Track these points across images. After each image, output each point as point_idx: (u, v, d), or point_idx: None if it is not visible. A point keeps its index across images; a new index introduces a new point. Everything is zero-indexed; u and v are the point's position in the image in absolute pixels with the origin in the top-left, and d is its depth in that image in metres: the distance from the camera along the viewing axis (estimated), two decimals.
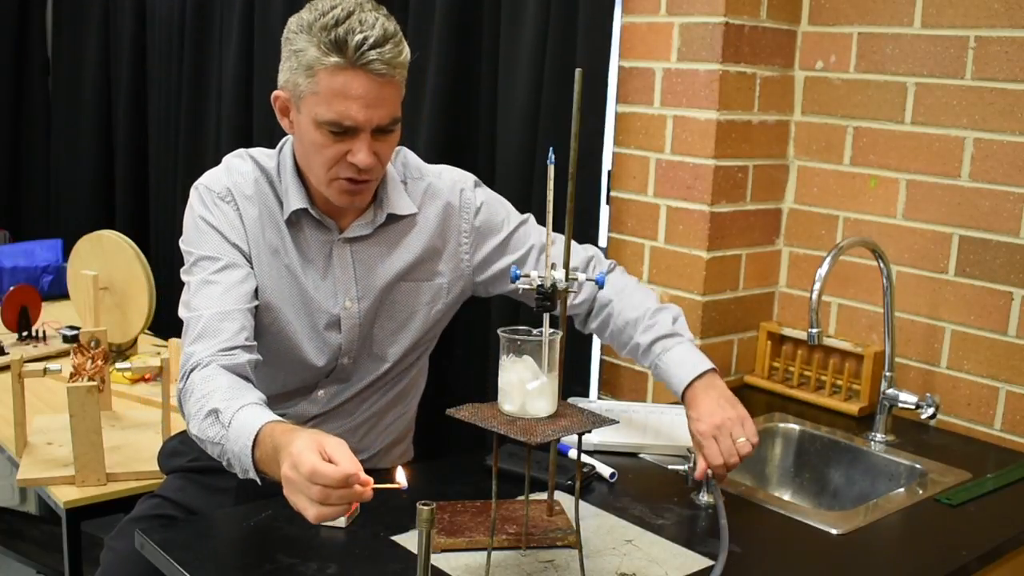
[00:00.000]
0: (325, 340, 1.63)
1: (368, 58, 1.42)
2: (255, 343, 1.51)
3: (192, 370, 1.43)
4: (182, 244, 1.58)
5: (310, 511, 1.16)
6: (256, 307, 1.55)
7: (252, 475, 1.30)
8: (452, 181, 1.70)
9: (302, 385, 1.68)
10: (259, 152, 1.63)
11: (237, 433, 1.30)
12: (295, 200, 1.57)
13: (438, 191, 1.68)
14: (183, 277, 1.56)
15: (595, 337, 2.06)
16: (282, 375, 1.65)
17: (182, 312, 1.52)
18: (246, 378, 1.45)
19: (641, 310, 1.69)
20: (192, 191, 1.60)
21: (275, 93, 1.54)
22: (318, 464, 1.14)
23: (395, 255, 1.64)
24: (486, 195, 1.73)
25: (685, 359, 1.61)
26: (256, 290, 1.56)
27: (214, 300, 1.49)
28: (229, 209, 1.56)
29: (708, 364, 1.60)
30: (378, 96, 1.45)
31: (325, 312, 1.62)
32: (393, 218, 1.63)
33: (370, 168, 1.49)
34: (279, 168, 1.60)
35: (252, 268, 1.56)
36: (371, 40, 1.41)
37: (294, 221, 1.59)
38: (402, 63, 1.47)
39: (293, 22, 1.49)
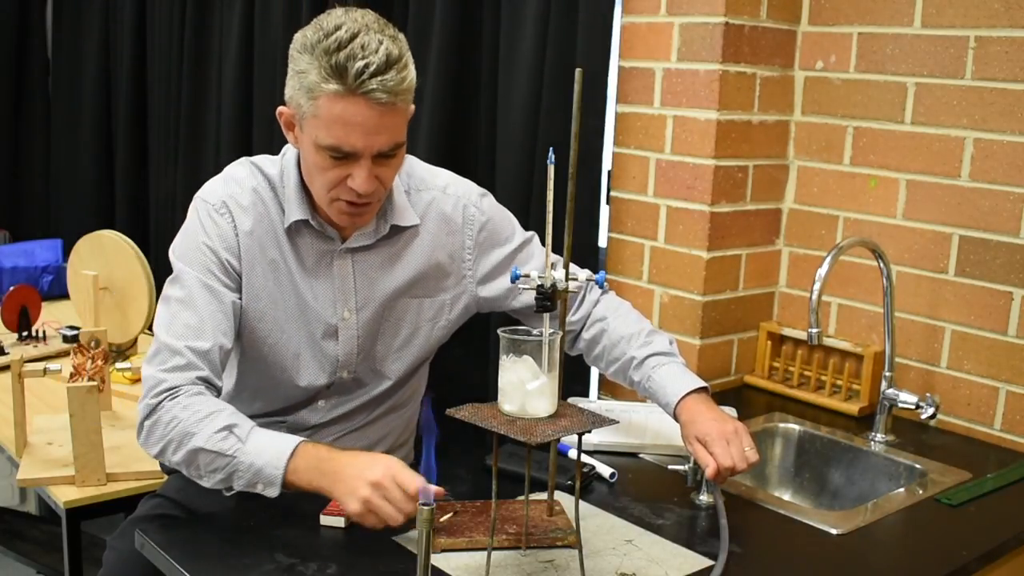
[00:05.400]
0: (323, 350, 1.62)
1: (369, 87, 1.37)
2: (223, 382, 1.54)
3: (167, 397, 1.43)
4: (172, 253, 1.56)
5: (359, 504, 1.31)
6: (235, 332, 1.54)
7: (262, 488, 1.36)
8: (456, 196, 1.67)
9: (304, 398, 1.67)
10: (262, 159, 1.61)
11: (260, 448, 1.37)
12: (296, 211, 1.55)
13: (441, 206, 1.65)
14: (166, 288, 1.54)
15: None
16: (283, 389, 1.65)
17: (160, 331, 1.50)
18: None
19: (636, 328, 1.69)
20: (192, 202, 1.58)
21: (280, 109, 1.51)
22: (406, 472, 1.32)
23: (397, 268, 1.63)
24: (491, 210, 1.70)
25: (681, 375, 1.62)
26: (236, 313, 1.54)
27: (190, 331, 1.48)
28: (224, 222, 1.54)
29: (704, 383, 1.60)
30: (379, 124, 1.41)
31: (323, 322, 1.60)
32: (396, 229, 1.61)
33: (370, 193, 1.47)
34: (282, 174, 1.58)
35: (242, 283, 1.55)
36: (373, 67, 1.37)
37: (295, 229, 1.57)
38: (406, 89, 1.42)
39: (298, 40, 1.44)
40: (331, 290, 1.60)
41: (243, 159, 1.63)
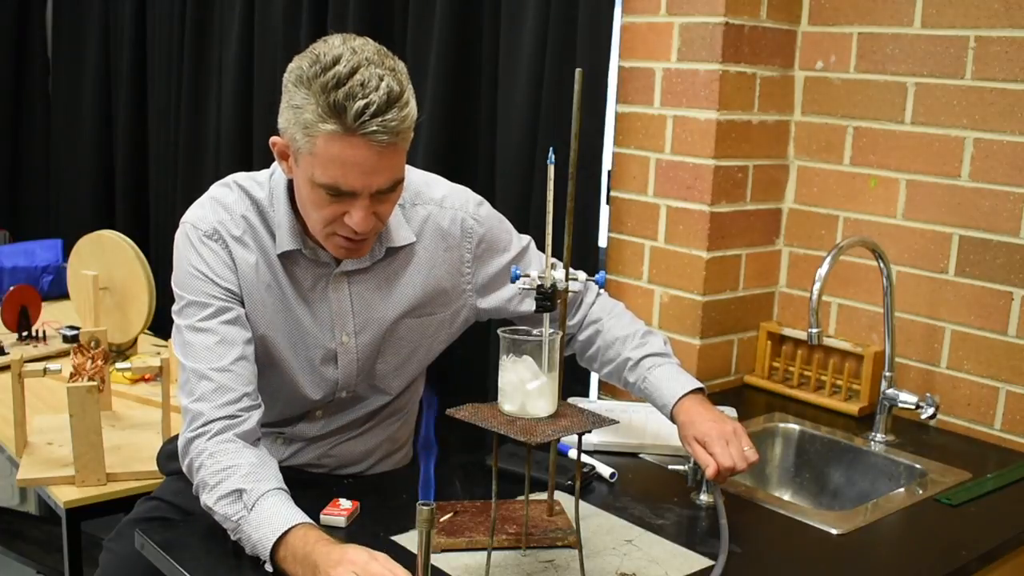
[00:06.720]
0: (322, 375, 1.60)
1: (369, 128, 1.31)
2: (257, 394, 1.49)
3: (201, 434, 1.41)
4: (173, 284, 1.53)
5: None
6: (252, 348, 1.51)
7: (263, 561, 1.31)
8: (453, 210, 1.61)
9: (300, 413, 1.66)
10: (248, 180, 1.56)
11: (260, 520, 1.31)
12: (287, 241, 1.51)
13: (439, 221, 1.60)
14: (174, 317, 1.52)
15: None
16: (279, 405, 1.64)
17: (180, 356, 1.48)
18: (257, 439, 1.45)
19: (631, 330, 1.68)
20: (179, 228, 1.54)
21: (273, 139, 1.45)
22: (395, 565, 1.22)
23: (395, 289, 1.59)
24: (489, 220, 1.65)
25: (677, 376, 1.61)
26: (250, 331, 1.51)
27: (211, 352, 1.45)
28: (218, 247, 1.50)
29: (700, 384, 1.60)
30: (378, 164, 1.36)
31: (321, 347, 1.57)
32: (392, 250, 1.57)
33: (368, 230, 1.43)
34: (271, 197, 1.53)
35: (244, 306, 1.52)
36: (373, 108, 1.31)
37: (287, 256, 1.53)
38: (406, 128, 1.36)
39: (293, 72, 1.37)
40: (328, 314, 1.57)
41: (229, 180, 1.57)
